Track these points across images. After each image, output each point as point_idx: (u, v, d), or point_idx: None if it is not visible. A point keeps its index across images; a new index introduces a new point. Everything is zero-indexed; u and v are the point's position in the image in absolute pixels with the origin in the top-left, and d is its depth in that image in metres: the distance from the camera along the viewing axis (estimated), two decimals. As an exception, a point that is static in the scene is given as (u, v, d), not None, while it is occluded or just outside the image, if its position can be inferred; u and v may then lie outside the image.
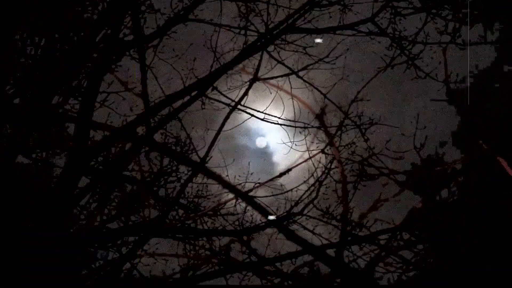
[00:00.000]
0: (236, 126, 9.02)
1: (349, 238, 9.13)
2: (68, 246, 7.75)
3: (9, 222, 7.30)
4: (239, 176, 9.26)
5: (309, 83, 9.32)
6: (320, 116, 9.87)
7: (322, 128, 9.85)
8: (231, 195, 9.10)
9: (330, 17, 9.11)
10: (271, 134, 10.13)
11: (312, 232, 8.94)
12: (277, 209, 9.03)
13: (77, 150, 8.01)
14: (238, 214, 9.12)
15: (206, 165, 8.60)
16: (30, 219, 7.48)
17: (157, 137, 9.12)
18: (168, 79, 9.07)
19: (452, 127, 10.92)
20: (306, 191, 9.08)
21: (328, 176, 9.36)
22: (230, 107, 8.82)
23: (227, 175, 9.08)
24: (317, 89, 9.37)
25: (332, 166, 9.46)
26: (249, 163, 9.40)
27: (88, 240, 8.35)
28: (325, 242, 8.83)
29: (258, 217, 8.90)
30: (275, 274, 8.75)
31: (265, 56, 9.02)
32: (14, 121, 8.00)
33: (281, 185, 9.18)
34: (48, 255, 7.34)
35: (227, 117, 8.82)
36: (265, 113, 8.92)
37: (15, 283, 6.93)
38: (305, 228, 8.96)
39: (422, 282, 8.99)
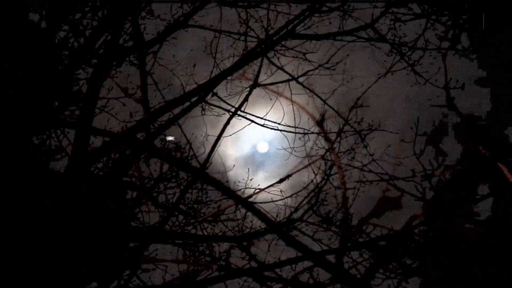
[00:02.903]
0: (236, 132, 9.03)
1: (349, 244, 9.13)
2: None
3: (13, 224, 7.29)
4: (239, 182, 9.28)
5: (309, 89, 9.35)
6: (320, 122, 9.88)
7: (322, 134, 9.86)
8: (231, 201, 9.11)
9: (330, 23, 9.16)
10: (271, 140, 10.15)
11: (312, 238, 8.96)
12: (277, 215, 9.05)
13: (77, 156, 8.00)
14: (238, 220, 9.13)
15: (206, 171, 8.61)
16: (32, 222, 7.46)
17: (157, 143, 9.12)
18: (168, 85, 9.10)
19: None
20: (306, 197, 9.10)
21: (328, 182, 9.37)
22: (230, 113, 8.84)
23: (227, 181, 9.11)
24: (317, 95, 9.41)
25: (332, 172, 9.46)
26: (248, 169, 9.42)
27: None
28: (325, 248, 8.84)
29: (258, 223, 8.91)
30: (275, 280, 8.73)
31: (265, 62, 9.05)
32: (14, 127, 7.99)
33: (281, 191, 9.20)
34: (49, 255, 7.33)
35: (227, 123, 8.83)
36: (265, 119, 8.94)
37: (19, 281, 6.93)
38: (305, 234, 8.98)
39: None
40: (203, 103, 8.71)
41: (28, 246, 7.05)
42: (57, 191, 7.78)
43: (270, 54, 9.00)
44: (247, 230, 9.07)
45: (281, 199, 9.03)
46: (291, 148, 9.28)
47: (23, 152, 7.77)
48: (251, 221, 9.08)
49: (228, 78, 8.84)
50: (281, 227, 8.68)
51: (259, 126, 8.95)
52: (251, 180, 9.33)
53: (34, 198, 7.35)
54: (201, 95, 8.54)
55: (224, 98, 8.83)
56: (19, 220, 7.18)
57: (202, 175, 8.56)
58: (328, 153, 9.64)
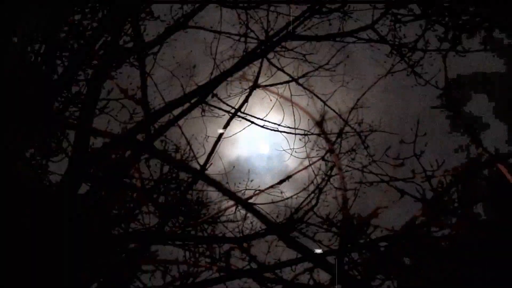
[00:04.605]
0: (236, 133, 9.03)
1: (349, 245, 9.12)
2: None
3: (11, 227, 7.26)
4: (239, 183, 9.28)
5: (309, 90, 9.35)
6: (320, 123, 9.88)
7: (322, 135, 9.86)
8: (231, 202, 9.12)
9: (330, 24, 9.16)
10: (271, 141, 10.15)
11: (312, 239, 8.95)
12: (277, 216, 9.05)
13: (77, 157, 7.99)
14: (238, 221, 9.14)
15: (206, 172, 8.61)
16: (31, 225, 7.44)
17: (157, 144, 9.13)
18: (168, 86, 9.10)
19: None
20: (306, 198, 9.09)
21: (328, 183, 9.38)
22: (230, 114, 8.83)
23: (227, 182, 9.11)
24: (317, 96, 9.41)
25: (332, 173, 9.46)
26: (248, 170, 9.43)
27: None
28: (325, 249, 8.83)
29: (258, 224, 8.92)
30: (275, 281, 8.72)
31: (265, 63, 9.05)
32: (14, 128, 7.97)
33: (281, 192, 9.20)
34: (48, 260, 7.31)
35: (227, 124, 8.83)
36: (265, 120, 8.93)
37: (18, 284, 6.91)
38: (305, 235, 8.97)
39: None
40: (203, 104, 8.71)
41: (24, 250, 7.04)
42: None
43: (270, 55, 9.00)
44: (247, 231, 9.08)
45: (281, 200, 9.04)
46: (291, 149, 9.27)
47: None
48: (251, 222, 9.10)
49: (228, 79, 8.83)
50: (282, 228, 8.68)
51: (259, 127, 8.95)
52: (251, 181, 9.34)
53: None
54: (201, 96, 8.53)
55: (224, 99, 8.83)
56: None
57: (202, 176, 8.55)
58: (328, 154, 9.64)
